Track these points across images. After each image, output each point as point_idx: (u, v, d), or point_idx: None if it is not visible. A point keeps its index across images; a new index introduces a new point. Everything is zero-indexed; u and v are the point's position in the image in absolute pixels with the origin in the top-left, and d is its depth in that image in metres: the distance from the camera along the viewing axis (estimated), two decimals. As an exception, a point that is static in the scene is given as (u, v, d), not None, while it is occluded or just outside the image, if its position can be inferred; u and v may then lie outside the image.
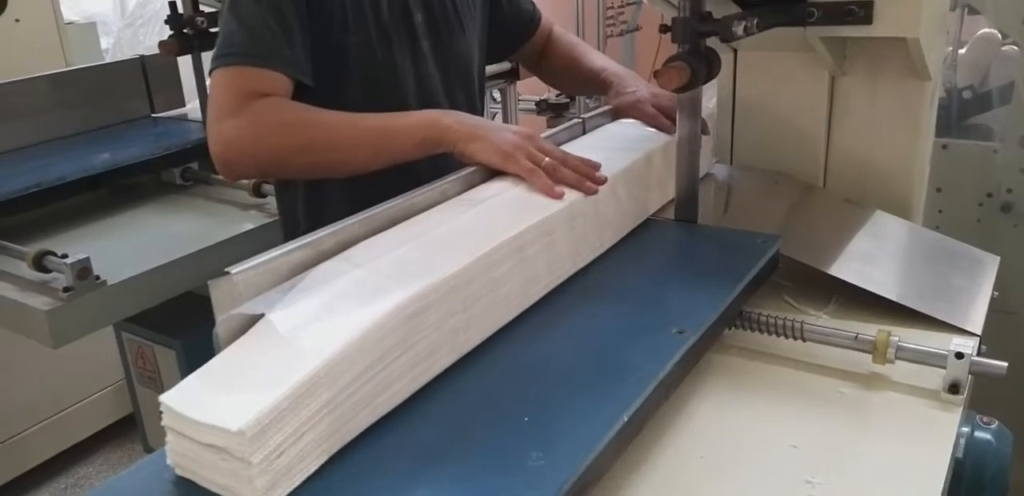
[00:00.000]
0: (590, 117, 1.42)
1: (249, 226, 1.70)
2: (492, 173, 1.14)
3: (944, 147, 2.07)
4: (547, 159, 1.12)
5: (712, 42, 1.18)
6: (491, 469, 0.72)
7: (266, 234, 1.71)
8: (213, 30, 1.99)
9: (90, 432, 2.83)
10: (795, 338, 1.06)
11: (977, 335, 1.13)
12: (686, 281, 1.11)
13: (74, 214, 1.74)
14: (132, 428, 2.14)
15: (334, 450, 0.74)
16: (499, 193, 1.08)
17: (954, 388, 0.98)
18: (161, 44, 1.96)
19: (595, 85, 1.59)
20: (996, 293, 1.29)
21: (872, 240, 1.34)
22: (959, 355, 0.97)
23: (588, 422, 0.77)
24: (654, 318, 0.99)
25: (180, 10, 1.96)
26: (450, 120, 1.17)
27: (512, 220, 1.00)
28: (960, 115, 2.13)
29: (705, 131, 1.39)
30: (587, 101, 4.18)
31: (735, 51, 1.55)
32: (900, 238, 1.36)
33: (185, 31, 1.96)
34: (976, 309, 1.19)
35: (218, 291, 0.76)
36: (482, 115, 1.60)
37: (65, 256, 1.40)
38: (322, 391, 0.71)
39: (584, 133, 1.38)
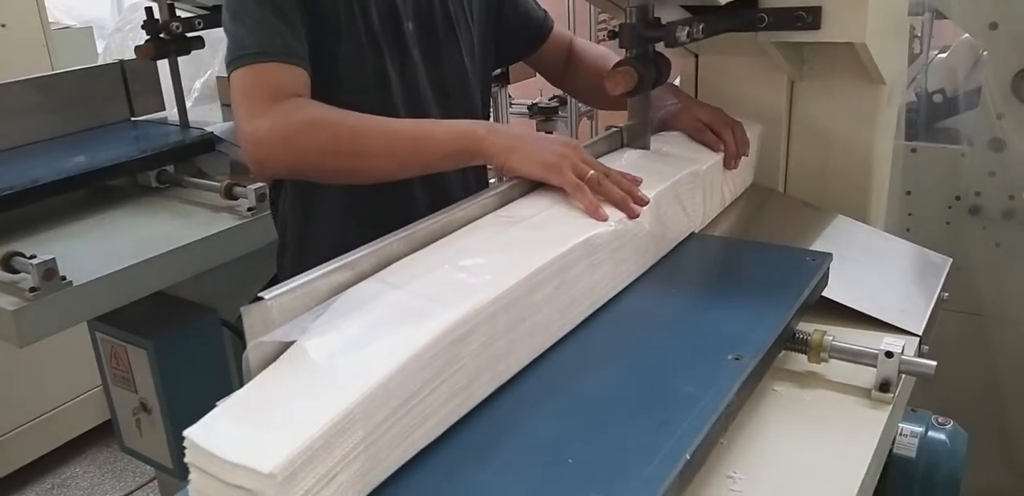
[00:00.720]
0: (627, 126, 1.34)
1: (220, 227, 1.72)
2: (531, 187, 1.11)
3: (913, 150, 2.09)
4: (591, 172, 1.08)
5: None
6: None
7: (236, 235, 1.73)
8: (189, 35, 2.03)
9: (77, 433, 2.86)
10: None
11: (917, 335, 1.14)
12: (736, 302, 1.05)
13: (49, 216, 1.76)
14: (109, 431, 2.16)
15: (367, 491, 0.70)
16: (540, 211, 1.04)
17: (884, 386, 0.99)
18: (137, 49, 1.99)
19: None
20: (946, 294, 1.31)
21: (826, 243, 1.35)
22: (889, 354, 0.98)
23: (649, 460, 0.71)
24: (706, 343, 0.94)
25: (157, 16, 1.99)
26: (487, 131, 1.15)
27: (554, 240, 0.95)
28: (930, 119, 2.15)
29: (745, 152, 1.39)
30: (578, 104, 4.21)
31: (696, 56, 1.58)
32: (854, 241, 1.38)
33: (162, 36, 1.99)
34: (920, 310, 1.21)
35: (251, 317, 0.72)
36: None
37: (33, 257, 1.43)
38: (358, 428, 0.66)
39: (623, 144, 1.33)
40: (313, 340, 0.72)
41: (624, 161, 1.25)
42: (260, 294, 0.73)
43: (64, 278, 1.44)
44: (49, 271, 1.41)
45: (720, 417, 0.80)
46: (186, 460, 0.65)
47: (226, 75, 1.29)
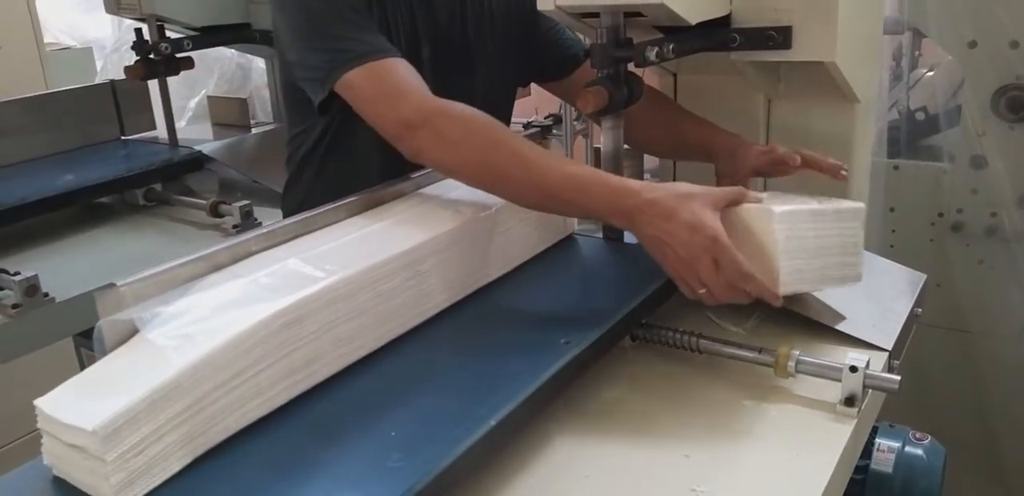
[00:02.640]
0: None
1: (204, 244, 1.73)
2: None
3: (896, 168, 2.11)
4: (702, 290, 1.03)
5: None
6: (350, 469, 0.77)
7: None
8: (179, 55, 2.05)
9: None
10: (692, 351, 1.10)
11: (887, 351, 1.15)
12: (586, 294, 1.17)
13: (36, 234, 1.78)
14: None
15: (199, 452, 0.78)
16: (406, 210, 1.12)
17: (849, 401, 1.00)
18: (127, 69, 2.02)
19: (693, 151, 1.45)
20: (920, 310, 1.32)
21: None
22: (853, 369, 0.99)
23: (457, 425, 0.80)
24: (547, 330, 1.02)
25: (146, 37, 2.02)
26: (641, 187, 1.06)
27: (406, 236, 1.05)
28: (912, 136, 2.16)
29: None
30: (574, 122, 4.23)
31: (675, 75, 1.60)
32: (829, 256, 1.39)
33: (151, 56, 2.02)
34: (892, 326, 1.22)
35: (103, 302, 0.81)
36: None
37: (16, 273, 1.44)
38: (182, 396, 0.76)
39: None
40: (156, 324, 0.82)
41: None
42: (114, 281, 0.81)
43: (47, 294, 1.46)
44: (31, 287, 1.43)
45: (538, 390, 0.89)
46: (38, 426, 0.76)
47: (216, 95, 1.30)
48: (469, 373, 0.95)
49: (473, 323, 1.07)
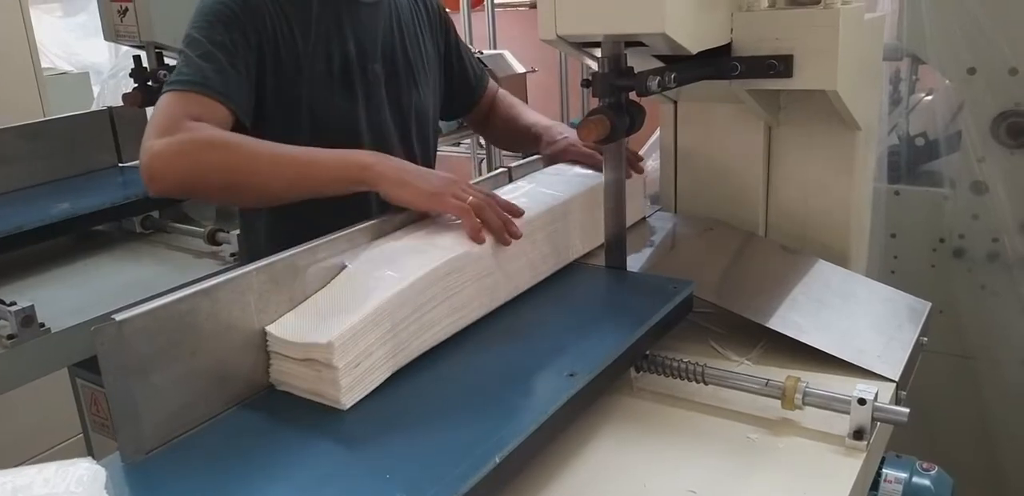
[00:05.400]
0: (516, 166, 1.47)
1: (201, 273, 1.72)
2: (410, 219, 1.20)
3: (896, 193, 2.11)
4: (471, 197, 1.15)
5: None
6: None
7: (218, 281, 1.73)
8: (177, 82, 2.05)
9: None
10: (698, 381, 1.08)
11: (894, 381, 1.14)
12: (590, 325, 1.15)
13: (33, 262, 1.77)
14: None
15: (396, 368, 0.98)
16: (424, 232, 1.17)
17: (858, 434, 0.99)
18: (125, 96, 2.02)
19: (528, 140, 1.64)
20: (925, 339, 1.31)
21: (803, 287, 1.36)
22: (861, 401, 0.98)
23: (459, 463, 0.79)
24: (551, 361, 1.02)
25: (145, 64, 2.02)
26: (375, 161, 1.20)
27: (442, 249, 1.11)
28: (912, 162, 2.16)
29: (638, 170, 1.45)
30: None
31: (675, 103, 1.60)
32: (832, 285, 1.38)
33: (150, 83, 2.01)
34: (898, 355, 1.20)
35: (102, 337, 0.81)
36: (433, 166, 1.65)
37: (12, 304, 1.43)
38: (385, 320, 0.95)
39: (511, 180, 1.43)
40: (355, 265, 1.06)
41: (505, 190, 1.35)
42: (113, 316, 0.82)
43: (43, 325, 1.44)
44: (27, 318, 1.41)
45: (542, 427, 0.88)
46: (268, 349, 0.95)
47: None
48: (473, 405, 0.93)
49: (477, 351, 1.07)
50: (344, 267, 1.06)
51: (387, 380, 0.98)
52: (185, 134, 1.22)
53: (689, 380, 1.09)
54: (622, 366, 1.08)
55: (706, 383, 1.08)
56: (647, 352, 1.13)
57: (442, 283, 1.05)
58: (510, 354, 1.07)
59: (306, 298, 1.01)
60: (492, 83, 1.78)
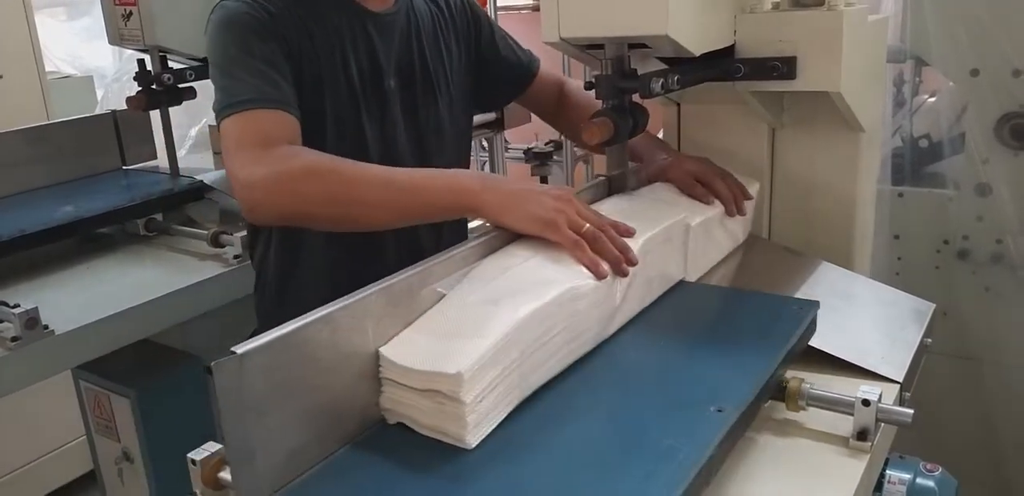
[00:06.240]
0: (615, 175, 1.35)
1: (205, 275, 1.73)
2: (510, 238, 1.12)
3: (900, 195, 2.11)
4: (587, 226, 1.07)
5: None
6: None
7: (222, 283, 1.74)
8: (181, 86, 2.05)
9: (60, 483, 2.81)
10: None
11: (898, 382, 1.14)
12: (720, 352, 1.05)
13: (36, 265, 1.77)
14: (93, 483, 2.12)
15: (516, 403, 0.89)
16: (534, 255, 1.07)
17: (862, 435, 0.98)
18: (129, 99, 2.02)
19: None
20: (929, 340, 1.31)
21: (809, 289, 1.35)
22: (865, 402, 0.98)
23: None
24: (689, 394, 0.93)
25: (149, 67, 2.02)
26: (482, 188, 1.12)
27: (561, 276, 1.02)
28: (916, 163, 2.16)
29: (747, 196, 1.41)
30: (574, 148, 4.25)
31: (678, 105, 1.60)
32: (837, 287, 1.38)
33: (153, 87, 2.02)
34: (902, 356, 1.20)
35: (221, 372, 0.73)
36: None
37: (16, 306, 1.43)
38: (512, 349, 0.87)
39: (610, 192, 1.34)
40: (468, 287, 0.97)
41: (610, 206, 1.26)
42: (233, 348, 0.74)
43: (46, 327, 1.44)
44: (31, 320, 1.41)
45: (701, 470, 0.79)
46: (380, 375, 0.86)
47: (217, 124, 1.30)
48: (621, 446, 0.84)
49: (600, 383, 0.98)
50: (453, 288, 0.98)
51: (508, 415, 0.89)
52: (281, 161, 1.18)
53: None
54: (767, 396, 1.00)
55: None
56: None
57: (563, 312, 0.96)
58: (639, 386, 0.98)
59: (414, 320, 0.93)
60: (553, 72, 1.69)
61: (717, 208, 1.36)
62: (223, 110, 1.25)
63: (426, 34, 1.51)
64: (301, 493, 0.78)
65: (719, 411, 0.87)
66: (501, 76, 1.63)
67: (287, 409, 0.79)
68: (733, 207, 1.37)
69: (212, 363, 0.72)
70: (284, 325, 0.80)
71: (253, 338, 0.76)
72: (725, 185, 1.38)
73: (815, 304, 1.15)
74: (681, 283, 1.26)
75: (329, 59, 1.36)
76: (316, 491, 0.79)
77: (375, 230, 1.26)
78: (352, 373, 0.86)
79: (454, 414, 0.81)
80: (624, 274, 1.07)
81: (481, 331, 0.86)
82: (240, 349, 0.74)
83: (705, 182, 1.36)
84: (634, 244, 1.11)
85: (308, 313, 0.82)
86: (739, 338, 1.09)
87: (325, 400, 0.83)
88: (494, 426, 0.85)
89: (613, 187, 1.34)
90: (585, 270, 1.03)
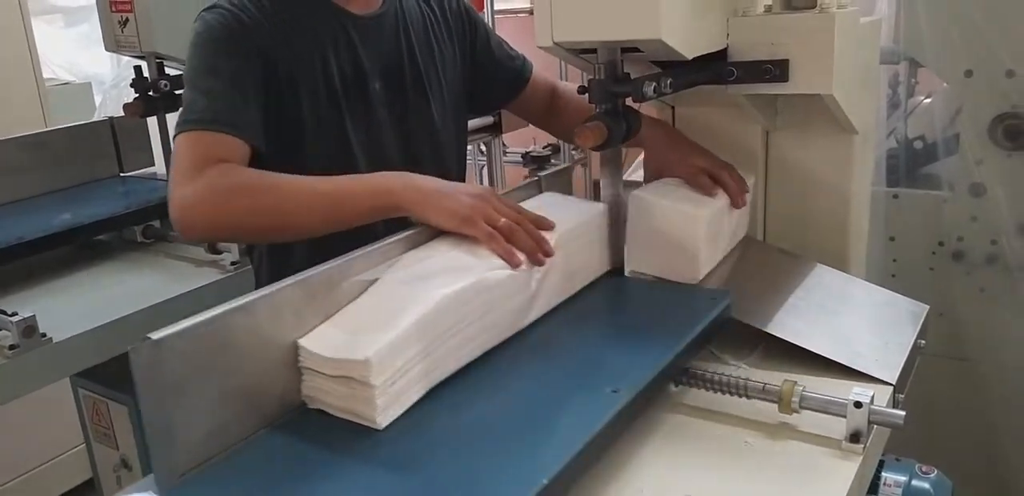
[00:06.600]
0: (547, 175, 1.42)
1: (203, 282, 1.73)
2: (436, 234, 1.16)
3: (895, 196, 2.11)
4: (503, 220, 1.12)
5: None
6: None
7: (219, 289, 1.74)
8: (178, 92, 2.06)
9: (59, 492, 2.80)
10: (740, 396, 1.06)
11: (891, 384, 1.14)
12: (628, 339, 1.13)
13: (34, 272, 1.77)
14: (92, 491, 2.12)
15: (431, 386, 0.96)
16: (449, 251, 1.12)
17: (855, 437, 0.99)
18: (126, 106, 2.03)
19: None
20: (923, 342, 1.31)
21: (802, 291, 1.36)
22: (858, 404, 0.98)
23: (507, 484, 0.78)
24: (592, 377, 0.99)
25: (146, 74, 2.03)
26: (402, 186, 1.18)
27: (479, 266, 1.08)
28: (911, 165, 2.17)
29: (746, 189, 1.41)
30: (572, 152, 4.25)
31: (673, 108, 1.60)
32: (830, 289, 1.38)
33: (150, 93, 2.02)
34: (895, 358, 1.21)
35: (139, 356, 0.78)
36: (463, 178, 1.60)
37: (14, 314, 1.43)
38: (422, 337, 0.93)
39: (541, 191, 1.39)
40: (388, 278, 1.02)
41: (535, 203, 1.32)
42: (148, 334, 0.80)
43: (44, 335, 1.45)
44: (29, 328, 1.42)
45: (588, 445, 0.85)
46: (299, 364, 0.92)
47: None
48: (513, 424, 0.91)
49: (512, 368, 1.04)
50: (375, 280, 1.04)
51: (421, 398, 0.95)
52: (209, 180, 1.21)
53: (732, 395, 1.07)
54: (666, 381, 1.06)
55: (749, 397, 1.06)
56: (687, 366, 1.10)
57: (478, 300, 1.02)
58: (547, 370, 1.04)
59: (338, 311, 0.99)
60: (545, 75, 1.70)
61: (723, 200, 1.36)
62: (177, 126, 1.29)
63: (416, 36, 1.51)
64: (216, 469, 0.84)
65: (615, 392, 0.93)
66: (495, 79, 1.64)
67: (206, 391, 0.84)
68: (739, 199, 1.38)
69: (130, 347, 0.78)
70: (204, 312, 0.85)
71: (174, 323, 0.82)
72: (732, 178, 1.38)
73: (727, 294, 1.21)
74: (607, 275, 1.32)
75: (308, 63, 1.37)
76: (231, 467, 0.85)
77: (310, 237, 1.27)
78: (271, 360, 0.92)
79: (364, 397, 0.87)
80: (540, 263, 1.13)
81: (392, 320, 0.92)
82: (156, 335, 0.79)
83: (713, 175, 1.37)
84: (551, 237, 1.16)
85: (227, 302, 0.88)
86: (649, 326, 1.19)
87: (244, 384, 0.88)
88: (405, 408, 0.91)
89: (544, 188, 1.40)
90: (499, 261, 1.08)
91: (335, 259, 1.02)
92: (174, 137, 1.29)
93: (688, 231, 1.29)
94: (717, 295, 1.21)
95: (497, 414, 0.94)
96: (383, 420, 0.89)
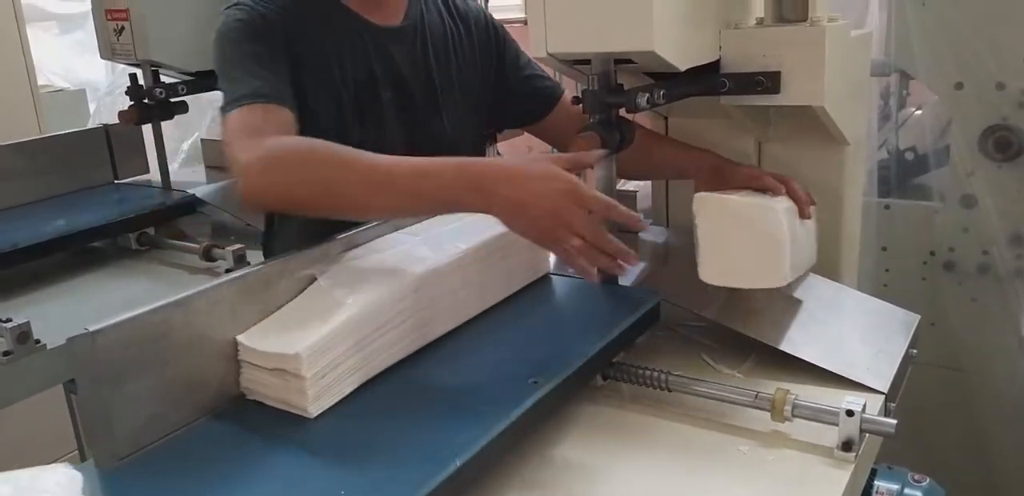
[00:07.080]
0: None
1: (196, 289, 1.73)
2: (379, 234, 1.24)
3: (887, 207, 2.12)
4: (577, 242, 1.01)
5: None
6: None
7: (213, 297, 1.74)
8: (173, 100, 2.07)
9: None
10: (662, 389, 1.11)
11: (883, 393, 1.15)
12: (556, 335, 1.20)
13: (28, 279, 1.77)
14: None
15: (364, 379, 1.01)
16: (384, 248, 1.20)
17: (847, 445, 1.00)
18: (120, 114, 2.03)
19: (666, 169, 1.54)
20: (914, 351, 1.32)
21: (795, 300, 1.37)
22: (849, 413, 0.99)
23: (419, 467, 0.82)
24: (516, 369, 1.04)
25: (141, 81, 2.03)
26: (491, 184, 1.04)
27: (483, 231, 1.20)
28: (903, 176, 2.18)
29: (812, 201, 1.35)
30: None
31: (666, 118, 1.61)
32: (823, 298, 1.39)
33: (146, 101, 2.03)
34: (887, 367, 1.21)
35: (76, 347, 0.85)
36: None
37: (8, 320, 1.43)
38: (353, 334, 0.99)
39: None
40: (326, 278, 1.08)
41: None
42: (86, 326, 0.85)
43: (38, 341, 1.44)
44: (22, 334, 1.41)
45: (505, 430, 0.90)
46: (240, 359, 0.98)
47: (209, 137, 1.33)
48: (436, 412, 0.97)
49: (444, 361, 1.10)
50: (315, 279, 1.09)
51: (355, 390, 1.01)
52: (277, 151, 1.16)
53: (654, 388, 1.12)
54: (587, 374, 1.10)
55: (669, 390, 1.10)
56: (614, 360, 1.16)
57: (411, 298, 1.08)
58: (477, 364, 1.11)
59: (277, 309, 1.05)
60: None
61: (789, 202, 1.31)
62: (221, 110, 1.30)
63: (435, 49, 1.52)
64: (154, 453, 0.90)
65: (534, 382, 0.99)
66: (521, 95, 1.62)
67: (143, 381, 0.89)
68: (806, 209, 1.32)
69: (68, 337, 0.84)
70: (142, 307, 0.90)
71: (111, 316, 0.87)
72: (798, 187, 1.33)
73: (653, 294, 1.27)
74: (547, 276, 1.37)
75: (325, 64, 1.39)
76: (170, 452, 0.90)
77: (373, 218, 1.23)
78: (209, 352, 0.97)
79: (297, 388, 0.94)
80: (623, 274, 1.18)
81: (325, 317, 0.99)
82: (94, 327, 0.85)
83: (780, 180, 1.33)
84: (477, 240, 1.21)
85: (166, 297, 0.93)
86: (577, 323, 1.27)
87: (182, 375, 0.93)
88: (336, 399, 0.97)
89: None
90: (434, 260, 1.13)
91: (275, 257, 1.11)
92: (223, 118, 1.28)
93: (768, 226, 1.24)
94: (645, 294, 1.27)
95: (423, 403, 1.00)
96: (314, 410, 0.95)
